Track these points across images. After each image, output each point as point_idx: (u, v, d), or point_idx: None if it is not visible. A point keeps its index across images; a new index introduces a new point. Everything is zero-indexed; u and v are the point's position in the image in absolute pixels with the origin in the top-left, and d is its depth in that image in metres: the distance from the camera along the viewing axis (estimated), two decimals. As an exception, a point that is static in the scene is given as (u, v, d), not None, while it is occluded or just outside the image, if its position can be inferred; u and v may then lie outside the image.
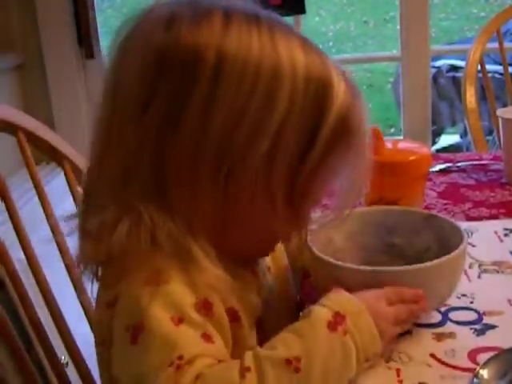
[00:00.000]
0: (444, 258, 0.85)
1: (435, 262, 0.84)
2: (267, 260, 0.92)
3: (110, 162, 0.74)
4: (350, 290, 0.79)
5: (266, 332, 0.79)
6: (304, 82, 0.72)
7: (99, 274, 0.79)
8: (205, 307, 0.72)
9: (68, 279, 1.18)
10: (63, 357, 1.26)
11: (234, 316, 0.76)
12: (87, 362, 1.18)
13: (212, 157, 0.72)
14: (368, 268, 0.84)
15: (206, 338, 0.70)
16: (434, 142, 4.62)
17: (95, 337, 0.81)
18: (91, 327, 1.06)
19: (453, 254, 0.85)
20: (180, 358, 0.68)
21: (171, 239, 0.72)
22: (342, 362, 0.73)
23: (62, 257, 1.19)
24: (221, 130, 0.71)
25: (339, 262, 0.84)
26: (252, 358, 0.69)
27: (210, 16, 0.73)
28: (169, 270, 0.71)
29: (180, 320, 0.69)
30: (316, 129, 0.73)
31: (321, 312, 0.74)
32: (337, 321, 0.73)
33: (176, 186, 0.73)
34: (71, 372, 1.20)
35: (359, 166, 0.79)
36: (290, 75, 0.72)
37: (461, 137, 4.80)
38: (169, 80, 0.71)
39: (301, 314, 0.77)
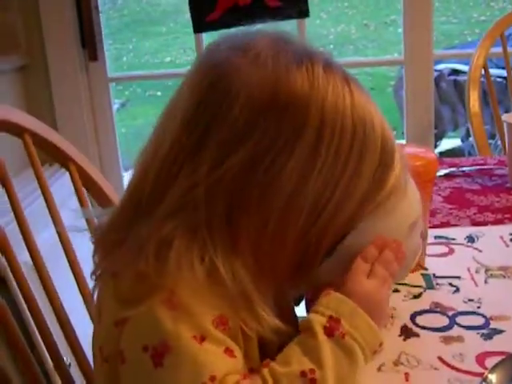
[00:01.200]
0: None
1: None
2: None
3: (178, 189, 0.73)
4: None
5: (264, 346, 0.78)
6: (379, 152, 0.75)
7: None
8: (222, 322, 0.71)
9: (72, 279, 1.19)
10: (66, 357, 1.26)
11: (245, 335, 0.75)
12: (91, 363, 1.17)
13: (302, 218, 0.73)
14: None
15: (229, 353, 0.70)
16: (435, 146, 4.62)
17: (95, 349, 0.79)
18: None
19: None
20: (212, 378, 0.67)
21: (236, 280, 0.71)
22: (350, 364, 0.73)
23: (67, 257, 1.20)
24: (313, 195, 0.72)
25: None
26: (269, 376, 0.70)
27: (313, 67, 0.73)
28: (185, 289, 0.70)
29: (202, 338, 0.69)
30: (371, 200, 0.76)
31: (316, 320, 0.74)
32: (332, 326, 0.73)
33: (252, 238, 0.73)
34: (75, 373, 1.20)
35: None
36: (374, 143, 0.74)
37: (462, 140, 4.81)
38: (265, 129, 0.71)
39: (299, 323, 0.77)
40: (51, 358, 1.17)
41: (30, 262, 1.16)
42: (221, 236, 0.72)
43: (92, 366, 1.16)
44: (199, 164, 0.72)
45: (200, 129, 0.72)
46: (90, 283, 0.83)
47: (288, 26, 2.68)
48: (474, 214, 1.32)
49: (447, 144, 5.06)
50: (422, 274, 1.08)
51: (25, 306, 1.17)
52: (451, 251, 1.16)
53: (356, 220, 0.76)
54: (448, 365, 0.85)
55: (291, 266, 0.76)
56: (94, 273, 0.79)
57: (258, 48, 0.74)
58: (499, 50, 2.15)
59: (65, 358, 1.26)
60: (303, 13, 2.50)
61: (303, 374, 0.70)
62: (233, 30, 0.79)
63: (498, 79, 3.42)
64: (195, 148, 0.72)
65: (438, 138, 4.69)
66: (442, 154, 4.78)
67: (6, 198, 1.16)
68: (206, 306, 0.70)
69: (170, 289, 0.70)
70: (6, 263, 1.13)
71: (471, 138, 2.10)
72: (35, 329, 1.17)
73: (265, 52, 0.73)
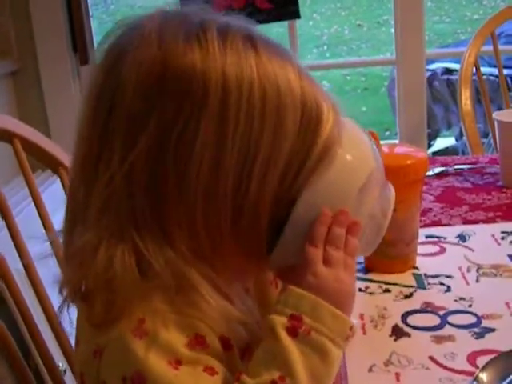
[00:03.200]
0: None
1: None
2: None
3: (99, 186, 0.70)
4: None
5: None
6: (301, 112, 0.71)
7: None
8: (198, 342, 0.69)
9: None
10: (61, 363, 1.26)
11: (226, 344, 0.73)
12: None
13: (226, 189, 0.69)
14: None
15: (209, 371, 0.68)
16: (429, 145, 4.62)
17: (76, 371, 0.77)
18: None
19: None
20: None
21: (169, 268, 0.68)
22: (323, 360, 0.70)
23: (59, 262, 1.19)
24: (236, 163, 0.69)
25: None
26: None
27: (206, 37, 0.69)
28: (151, 315, 0.68)
29: (178, 362, 0.67)
30: (304, 160, 0.71)
31: (277, 321, 0.70)
32: (294, 324, 0.70)
33: (177, 212, 0.70)
34: (69, 379, 1.19)
35: None
36: (291, 103, 0.70)
37: (456, 139, 4.80)
38: (163, 108, 0.68)
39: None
40: (45, 366, 1.16)
41: (22, 269, 1.16)
42: (150, 230, 0.69)
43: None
44: (110, 158, 0.70)
45: (100, 122, 0.71)
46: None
47: (280, 28, 2.69)
48: (466, 212, 1.32)
49: (441, 143, 5.06)
50: (413, 274, 1.08)
51: (19, 315, 1.16)
52: (442, 250, 1.16)
53: (293, 188, 0.72)
54: (439, 364, 0.85)
55: (239, 246, 0.72)
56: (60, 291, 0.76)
57: (144, 27, 0.71)
58: (490, 48, 2.15)
59: (60, 364, 1.26)
60: (294, 14, 2.50)
61: (273, 383, 0.67)
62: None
63: (491, 77, 3.42)
64: (103, 141, 0.70)
65: (432, 137, 4.69)
66: (436, 153, 4.78)
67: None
68: (176, 329, 0.68)
69: (138, 317, 0.68)
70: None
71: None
72: (29, 336, 1.16)
73: (149, 29, 0.70)
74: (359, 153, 0.75)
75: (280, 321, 0.70)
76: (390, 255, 1.09)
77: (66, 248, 0.75)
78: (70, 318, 0.78)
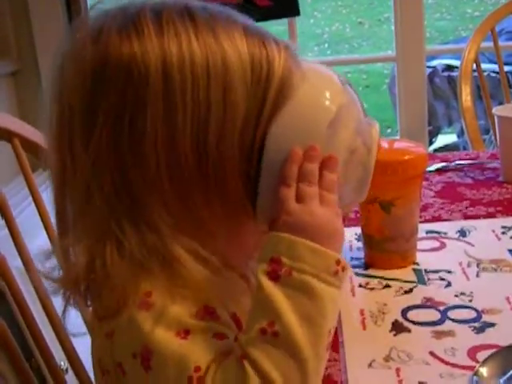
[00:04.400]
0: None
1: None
2: None
3: (72, 185, 0.72)
4: None
5: None
6: (250, 68, 0.70)
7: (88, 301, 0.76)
8: (207, 312, 0.69)
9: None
10: (62, 362, 1.26)
11: (238, 323, 0.73)
12: (87, 368, 1.17)
13: (187, 164, 0.69)
14: None
15: (219, 336, 0.68)
16: (431, 142, 4.62)
17: (95, 361, 0.77)
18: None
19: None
20: (197, 369, 0.66)
21: (152, 249, 0.69)
22: (310, 299, 0.67)
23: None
24: (190, 137, 0.69)
25: None
26: (239, 348, 0.67)
27: (140, 21, 0.70)
28: (158, 290, 0.69)
29: (186, 332, 0.67)
30: (262, 104, 0.71)
31: (259, 269, 0.69)
32: (274, 268, 0.68)
33: (148, 194, 0.70)
34: (71, 378, 1.19)
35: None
36: (237, 66, 0.70)
37: (458, 136, 4.80)
38: (107, 99, 0.69)
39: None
40: (46, 365, 1.16)
41: (23, 269, 1.16)
42: (127, 219, 0.70)
43: (87, 371, 1.17)
44: (75, 152, 0.71)
45: (58, 123, 0.73)
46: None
47: (280, 26, 2.69)
48: (466, 207, 1.31)
49: (443, 140, 5.05)
50: (414, 269, 1.08)
51: (19, 314, 1.16)
52: (443, 245, 1.16)
53: (258, 136, 0.71)
54: (440, 359, 0.85)
55: (221, 211, 0.72)
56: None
57: (82, 26, 0.73)
58: (491, 44, 2.14)
59: (62, 363, 1.26)
60: (294, 11, 2.50)
61: (263, 331, 0.66)
62: None
63: (492, 74, 3.42)
64: (65, 138, 0.72)
65: (434, 134, 4.69)
66: (437, 150, 4.78)
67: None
68: (184, 300, 0.69)
69: (143, 291, 0.69)
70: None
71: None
72: (29, 336, 1.16)
73: (86, 27, 0.72)
74: (324, 88, 0.73)
75: (261, 267, 0.69)
76: (389, 251, 1.08)
77: (61, 250, 0.75)
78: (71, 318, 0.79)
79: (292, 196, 0.71)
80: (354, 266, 1.10)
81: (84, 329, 1.01)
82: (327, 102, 0.72)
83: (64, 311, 0.77)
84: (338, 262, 0.69)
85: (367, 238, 1.11)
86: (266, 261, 0.69)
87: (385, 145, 1.09)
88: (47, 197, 1.24)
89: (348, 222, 1.04)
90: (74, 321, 0.81)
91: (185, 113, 0.69)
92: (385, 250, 1.08)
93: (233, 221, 0.74)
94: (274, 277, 0.68)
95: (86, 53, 0.70)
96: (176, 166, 0.69)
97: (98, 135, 0.69)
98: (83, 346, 1.12)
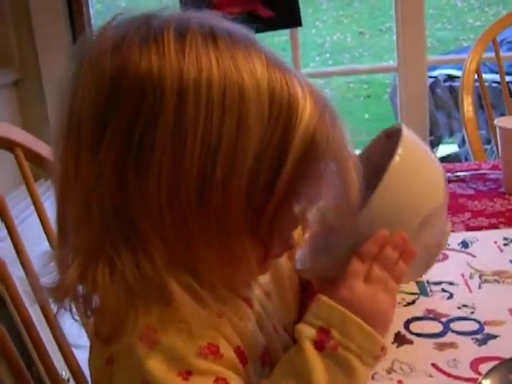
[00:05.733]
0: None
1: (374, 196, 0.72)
2: (265, 285, 0.86)
3: (72, 194, 0.71)
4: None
5: (271, 363, 0.76)
6: (269, 103, 0.68)
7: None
8: (210, 352, 0.68)
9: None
10: (64, 372, 1.26)
11: (241, 357, 0.72)
12: (88, 378, 1.17)
13: (190, 193, 0.67)
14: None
15: (221, 382, 0.67)
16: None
17: (92, 379, 0.77)
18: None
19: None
20: None
21: (145, 278, 0.67)
22: (347, 376, 0.69)
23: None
24: (197, 165, 0.66)
25: None
26: None
27: (163, 38, 0.68)
28: (161, 325, 0.68)
29: (188, 373, 0.67)
30: (283, 153, 0.68)
31: (305, 333, 0.70)
32: (322, 338, 0.69)
33: (145, 221, 0.68)
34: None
35: (345, 186, 0.72)
36: (255, 98, 0.67)
37: (459, 146, 4.80)
38: (120, 113, 0.67)
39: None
40: (48, 375, 1.16)
41: (25, 278, 1.16)
42: (123, 242, 0.68)
43: (88, 381, 1.17)
44: (80, 160, 0.69)
45: (64, 128, 0.72)
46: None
47: (282, 37, 2.70)
48: (468, 219, 1.31)
49: (444, 150, 5.05)
50: (416, 281, 1.08)
51: (20, 322, 1.16)
52: (445, 257, 1.16)
53: (269, 181, 0.68)
54: (442, 371, 0.85)
55: (220, 241, 0.69)
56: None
57: (104, 33, 0.71)
58: (493, 54, 2.15)
59: (63, 373, 1.26)
60: (296, 22, 2.50)
61: None
62: None
63: (494, 84, 3.42)
64: (72, 144, 0.70)
65: (435, 144, 4.68)
66: (439, 160, 4.77)
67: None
68: (187, 337, 0.68)
69: (145, 323, 0.68)
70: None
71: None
72: (31, 345, 1.16)
73: (107, 36, 0.70)
74: (432, 181, 0.75)
75: (308, 332, 0.70)
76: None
77: (59, 259, 0.74)
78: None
79: (361, 274, 0.72)
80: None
81: (85, 340, 1.01)
82: (431, 199, 0.74)
83: (56, 317, 0.77)
84: (382, 349, 0.71)
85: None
86: (315, 327, 0.70)
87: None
88: (49, 206, 1.25)
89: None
90: (77, 333, 0.81)
91: (195, 139, 0.66)
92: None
93: (227, 253, 0.71)
94: (320, 347, 0.69)
95: (105, 62, 0.68)
96: (177, 193, 0.67)
97: (105, 147, 0.67)
98: (84, 355, 1.12)
